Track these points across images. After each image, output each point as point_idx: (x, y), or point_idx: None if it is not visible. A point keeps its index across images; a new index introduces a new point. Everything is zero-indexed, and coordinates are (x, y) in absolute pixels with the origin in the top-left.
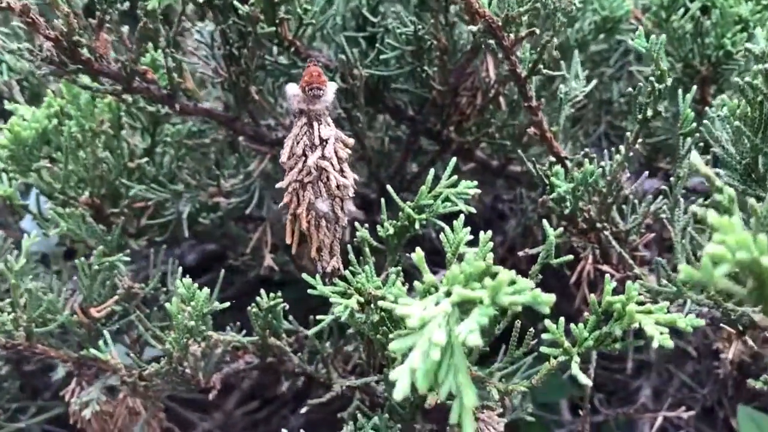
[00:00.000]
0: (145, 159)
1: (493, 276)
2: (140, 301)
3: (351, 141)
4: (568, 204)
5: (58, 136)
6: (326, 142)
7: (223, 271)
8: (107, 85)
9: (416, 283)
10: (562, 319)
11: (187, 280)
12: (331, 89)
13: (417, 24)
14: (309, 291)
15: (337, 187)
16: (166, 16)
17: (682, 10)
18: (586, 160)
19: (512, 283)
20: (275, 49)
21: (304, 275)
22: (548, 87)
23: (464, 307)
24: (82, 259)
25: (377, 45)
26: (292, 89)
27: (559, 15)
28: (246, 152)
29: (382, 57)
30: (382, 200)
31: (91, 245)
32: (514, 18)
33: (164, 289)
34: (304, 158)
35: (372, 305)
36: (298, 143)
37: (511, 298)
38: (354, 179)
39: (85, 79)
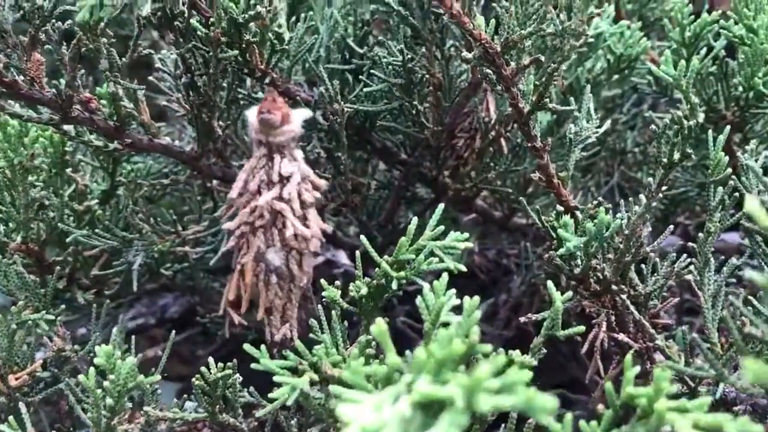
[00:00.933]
0: (95, 201)
1: (471, 363)
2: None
3: (322, 183)
4: (578, 262)
5: None
6: (287, 180)
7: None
8: (43, 113)
9: (377, 367)
10: (569, 418)
11: (107, 348)
12: (298, 117)
13: (406, 54)
14: (252, 365)
15: (295, 236)
16: (125, 39)
17: (704, 49)
18: (600, 209)
19: (499, 373)
20: (248, 81)
21: (245, 345)
22: (556, 131)
23: (430, 410)
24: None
25: (362, 78)
26: (251, 116)
27: (569, 39)
28: (217, 196)
29: (367, 90)
30: (357, 253)
31: (19, 299)
32: (515, 42)
33: None
34: (257, 196)
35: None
36: (253, 178)
37: (495, 400)
38: (323, 230)
39: (15, 105)
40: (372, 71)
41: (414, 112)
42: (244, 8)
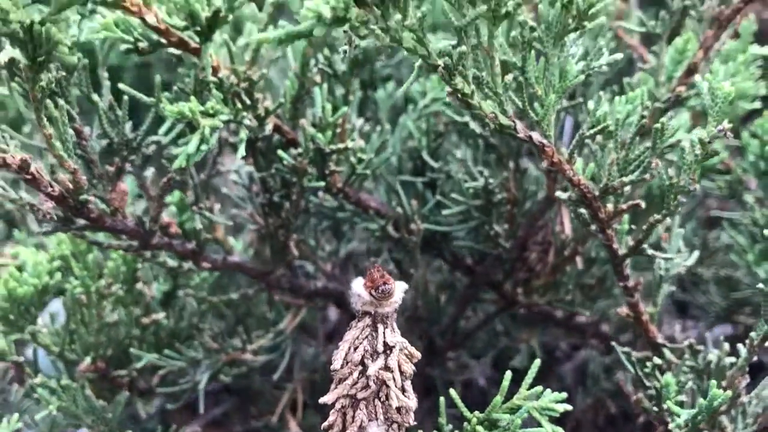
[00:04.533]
0: (162, 314)
1: None
2: None
3: (417, 354)
4: (683, 428)
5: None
6: (390, 351)
7: None
8: (122, 239)
9: None
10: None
11: None
12: (400, 289)
13: (487, 177)
14: None
15: (398, 409)
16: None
17: None
18: (712, 383)
19: None
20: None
21: None
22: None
23: None
24: None
25: (437, 196)
26: (357, 288)
27: (676, 196)
28: (278, 305)
29: (444, 213)
30: (441, 400)
31: (87, 423)
32: (614, 189)
33: None
34: (361, 368)
35: None
36: (356, 348)
37: None
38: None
39: (95, 232)
40: (446, 186)
41: (492, 233)
42: (330, 139)
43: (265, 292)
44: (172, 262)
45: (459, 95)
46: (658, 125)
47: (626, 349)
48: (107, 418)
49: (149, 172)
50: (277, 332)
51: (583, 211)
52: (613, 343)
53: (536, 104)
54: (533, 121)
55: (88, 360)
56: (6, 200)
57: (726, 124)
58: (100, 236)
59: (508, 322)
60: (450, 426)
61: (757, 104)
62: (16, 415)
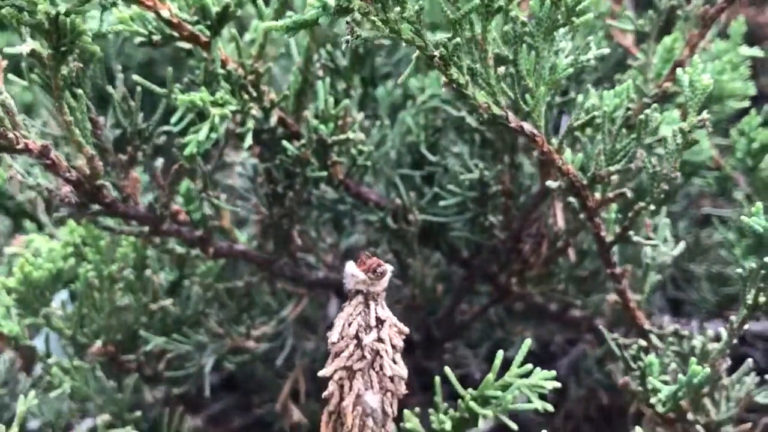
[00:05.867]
0: (170, 301)
1: None
2: None
3: (406, 329)
4: (666, 404)
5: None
6: (383, 324)
7: None
8: (133, 225)
9: None
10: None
11: None
12: (389, 271)
13: (483, 169)
14: None
15: (391, 379)
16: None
17: None
18: (692, 360)
19: None
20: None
21: None
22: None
23: None
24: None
25: (435, 188)
26: (351, 269)
27: (660, 183)
28: (282, 290)
29: (443, 204)
30: (437, 379)
31: (98, 404)
32: (602, 178)
33: None
34: (356, 340)
35: None
36: (350, 324)
37: None
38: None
39: (107, 219)
40: (443, 179)
41: (487, 224)
42: (332, 130)
43: (268, 281)
44: (180, 249)
45: (454, 85)
46: (642, 116)
47: (614, 335)
48: (117, 399)
49: (159, 162)
50: (279, 320)
51: (572, 199)
52: (601, 327)
53: (527, 96)
54: (525, 112)
55: (98, 343)
56: (25, 187)
57: (705, 115)
58: (112, 223)
59: (503, 315)
60: (446, 404)
61: (747, 103)
62: (32, 392)
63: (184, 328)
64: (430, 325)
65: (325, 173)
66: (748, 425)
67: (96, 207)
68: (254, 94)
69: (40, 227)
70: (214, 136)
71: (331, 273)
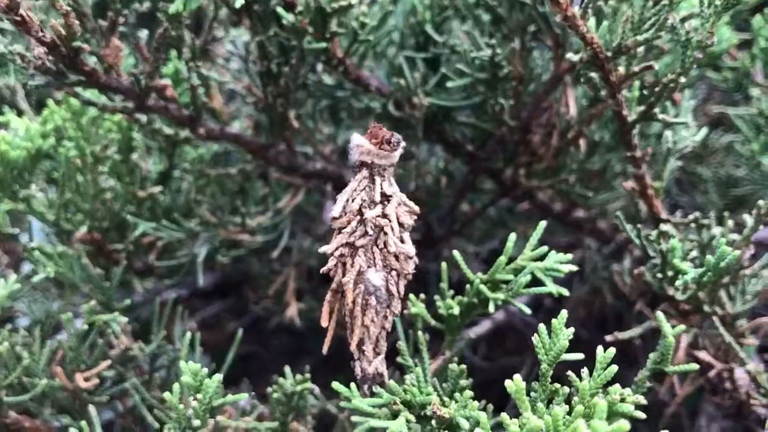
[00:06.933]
0: (159, 188)
1: None
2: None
3: (416, 208)
4: (687, 291)
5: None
6: (389, 200)
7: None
8: (117, 101)
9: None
10: None
11: (194, 365)
12: (401, 144)
13: (495, 46)
14: (342, 404)
15: (396, 257)
16: (196, 21)
17: None
18: (722, 240)
19: None
20: (319, 66)
21: (334, 383)
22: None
23: None
24: (69, 314)
25: (441, 70)
26: (358, 139)
27: (693, 52)
28: (277, 184)
29: (447, 85)
30: (443, 265)
31: (84, 291)
32: (628, 49)
33: (170, 346)
34: (359, 216)
35: (433, 422)
36: (353, 199)
37: None
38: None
39: (89, 92)
40: (450, 61)
41: (497, 108)
42: None
43: (262, 174)
44: (168, 130)
45: None
46: None
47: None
48: (104, 287)
49: (144, 33)
50: (275, 211)
51: (593, 75)
52: (618, 213)
53: None
54: None
55: (83, 229)
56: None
57: None
58: (95, 98)
59: (505, 216)
60: (452, 291)
61: None
62: (13, 276)
63: (174, 214)
64: (431, 222)
65: (323, 44)
66: (765, 319)
67: (75, 77)
68: None
69: (20, 114)
70: None
71: (328, 165)
